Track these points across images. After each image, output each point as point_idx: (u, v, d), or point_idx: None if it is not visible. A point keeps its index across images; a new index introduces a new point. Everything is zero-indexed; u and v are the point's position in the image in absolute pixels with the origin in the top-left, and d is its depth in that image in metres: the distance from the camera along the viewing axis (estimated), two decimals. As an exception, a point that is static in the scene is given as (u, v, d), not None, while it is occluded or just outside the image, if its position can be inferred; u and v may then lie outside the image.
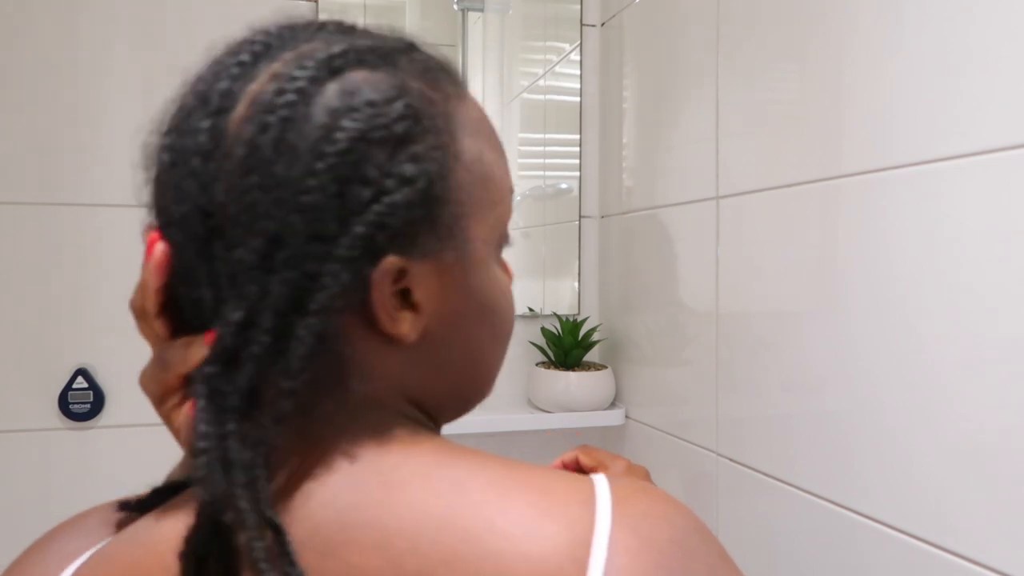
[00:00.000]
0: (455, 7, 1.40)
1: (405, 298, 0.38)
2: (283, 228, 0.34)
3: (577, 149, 1.47)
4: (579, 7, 1.46)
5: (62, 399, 1.19)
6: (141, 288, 0.39)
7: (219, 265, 0.35)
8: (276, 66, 0.37)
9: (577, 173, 1.47)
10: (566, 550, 0.32)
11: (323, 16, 1.30)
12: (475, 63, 1.42)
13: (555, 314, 1.42)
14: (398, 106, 0.37)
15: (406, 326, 0.38)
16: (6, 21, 1.20)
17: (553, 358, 1.36)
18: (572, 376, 1.31)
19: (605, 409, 1.34)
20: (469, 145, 0.41)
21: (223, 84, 0.36)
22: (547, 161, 1.48)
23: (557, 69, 1.48)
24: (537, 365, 1.37)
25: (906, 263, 0.72)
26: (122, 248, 1.24)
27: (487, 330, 0.45)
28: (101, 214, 1.23)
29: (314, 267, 0.34)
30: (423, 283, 0.39)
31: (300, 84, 0.35)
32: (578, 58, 1.47)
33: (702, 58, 1.09)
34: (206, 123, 0.36)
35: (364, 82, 0.37)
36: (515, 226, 1.46)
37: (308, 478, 0.36)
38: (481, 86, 1.43)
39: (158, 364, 0.39)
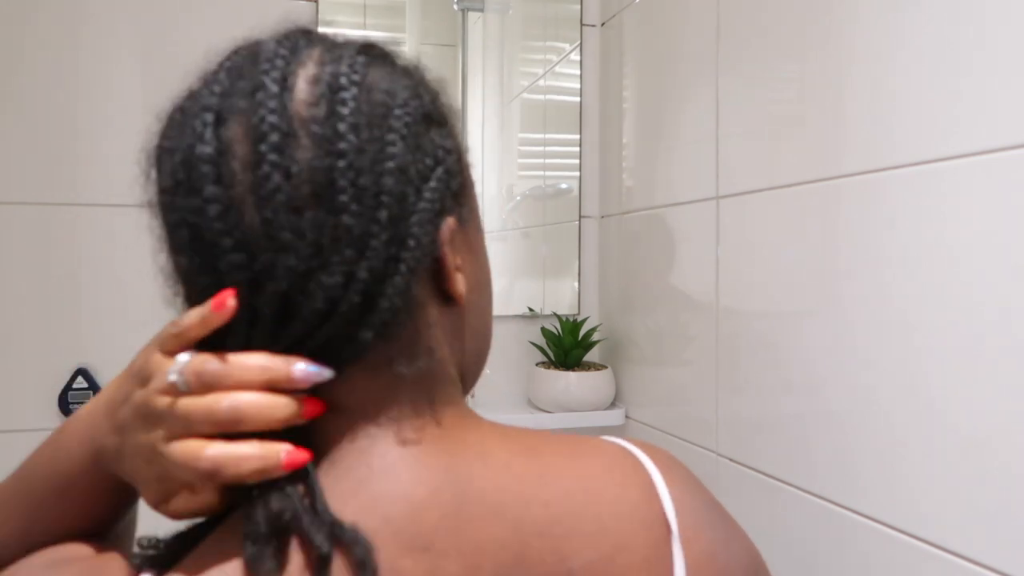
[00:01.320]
0: (455, 7, 1.40)
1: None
2: (382, 192, 0.36)
3: (577, 149, 1.47)
4: (579, 7, 1.46)
5: (62, 399, 1.19)
6: (199, 325, 0.36)
7: (310, 234, 0.35)
8: (316, 53, 0.38)
9: (577, 173, 1.47)
10: (642, 490, 0.40)
11: (323, 16, 1.31)
12: (475, 63, 1.42)
13: (555, 314, 1.42)
14: (433, 89, 0.41)
15: (462, 285, 0.41)
16: (7, 22, 1.20)
17: (553, 358, 1.36)
18: (572, 376, 1.31)
19: (605, 409, 1.34)
20: None
21: (275, 72, 0.36)
22: (547, 161, 1.49)
23: (557, 69, 1.48)
24: (537, 365, 1.37)
25: (906, 263, 0.72)
26: (122, 248, 1.24)
27: (488, 297, 0.47)
28: (101, 214, 1.23)
29: (404, 228, 0.37)
30: (461, 246, 0.42)
31: (351, 68, 0.38)
32: (578, 58, 1.47)
33: (702, 58, 1.09)
34: (272, 104, 0.35)
35: (398, 70, 0.40)
36: (515, 226, 1.46)
37: (397, 444, 0.38)
38: (481, 86, 1.43)
39: (169, 341, 0.37)
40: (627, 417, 1.34)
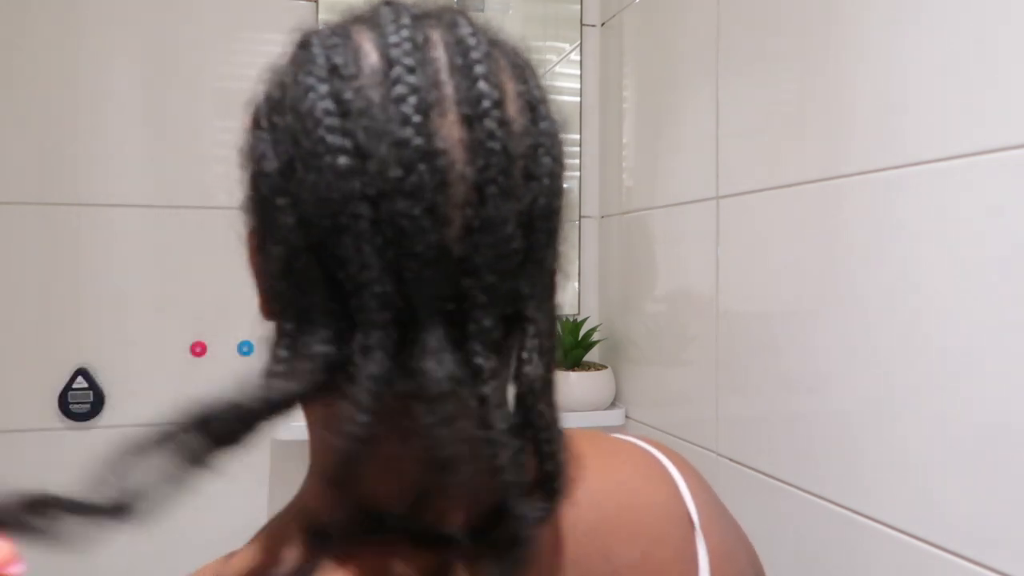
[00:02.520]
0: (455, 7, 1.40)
1: None
2: (559, 225, 0.36)
3: (577, 149, 1.47)
4: (579, 7, 1.46)
5: (62, 399, 1.19)
6: None
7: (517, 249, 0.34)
8: (506, 65, 0.35)
9: (577, 173, 1.47)
10: (670, 490, 0.42)
11: (323, 16, 1.31)
12: (475, 63, 1.42)
13: (555, 314, 1.42)
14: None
15: None
16: (7, 21, 1.20)
17: (553, 358, 1.36)
18: (572, 376, 1.31)
19: (605, 409, 1.34)
20: None
21: (492, 79, 0.33)
22: (547, 161, 1.48)
23: (557, 69, 1.48)
24: (537, 365, 1.37)
25: (907, 263, 0.72)
26: (122, 248, 1.24)
27: None
28: (101, 214, 1.23)
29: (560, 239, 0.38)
30: None
31: (538, 87, 0.36)
32: (578, 58, 1.47)
33: (702, 58, 1.09)
34: (497, 114, 0.33)
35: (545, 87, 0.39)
36: (515, 226, 1.46)
37: None
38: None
39: None
40: (627, 417, 1.34)
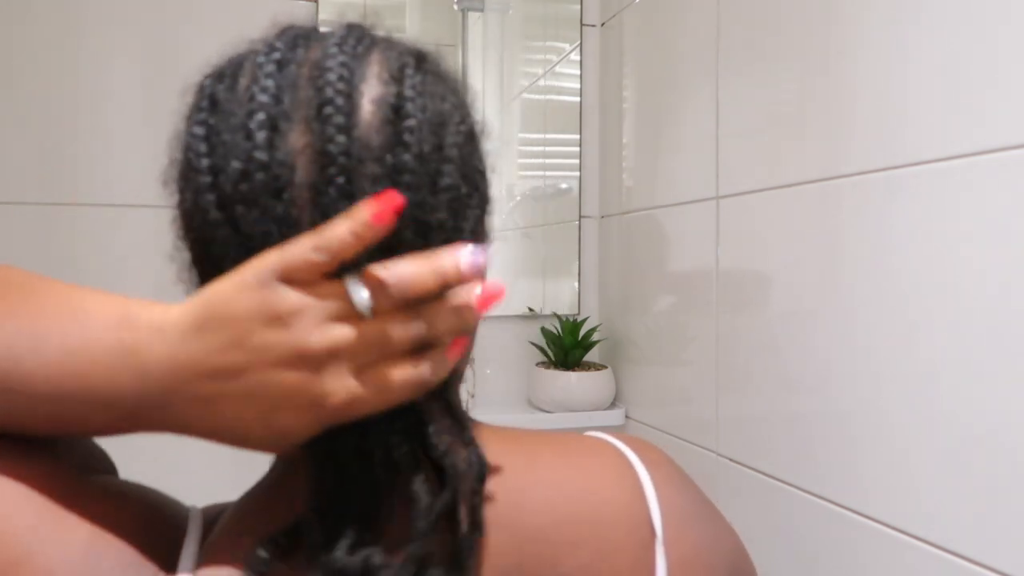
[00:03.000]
0: (455, 7, 1.40)
1: None
2: (436, 224, 0.36)
3: (577, 149, 1.47)
4: (579, 7, 1.46)
5: (62, 399, 1.19)
6: (354, 243, 0.32)
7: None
8: (376, 68, 0.37)
9: (577, 173, 1.47)
10: (632, 494, 0.41)
11: (323, 16, 1.31)
12: (475, 63, 1.42)
13: (555, 314, 1.42)
14: (471, 105, 0.41)
15: None
16: (7, 21, 1.20)
17: (553, 358, 1.36)
18: (572, 376, 1.31)
19: (605, 409, 1.34)
20: None
21: (340, 85, 0.35)
22: (547, 161, 1.48)
23: (557, 69, 1.48)
24: (537, 365, 1.37)
25: (907, 263, 0.72)
26: (122, 248, 1.24)
27: None
28: (101, 214, 1.23)
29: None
30: None
31: (412, 89, 0.37)
32: (578, 58, 1.47)
33: (702, 58, 1.09)
34: (340, 121, 0.34)
35: (448, 87, 0.40)
36: (515, 226, 1.46)
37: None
38: (481, 86, 1.43)
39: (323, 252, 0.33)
40: (627, 417, 1.34)
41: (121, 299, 0.35)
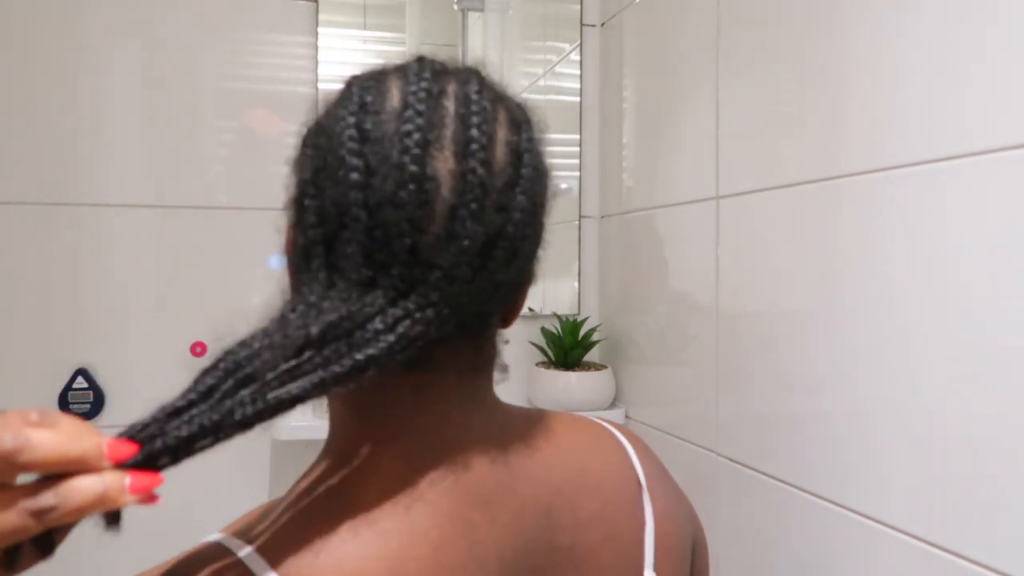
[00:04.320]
0: (455, 7, 1.40)
1: None
2: (524, 255, 0.45)
3: (577, 149, 1.47)
4: (579, 7, 1.46)
5: (62, 399, 1.19)
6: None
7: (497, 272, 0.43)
8: (503, 116, 0.44)
9: (577, 173, 1.47)
10: (623, 457, 0.53)
11: (323, 16, 1.31)
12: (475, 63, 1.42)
13: (555, 314, 1.42)
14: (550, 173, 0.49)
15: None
16: (7, 22, 1.20)
17: (553, 358, 1.36)
18: (572, 376, 1.31)
19: (605, 409, 1.34)
20: None
21: (484, 128, 0.42)
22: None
23: (557, 69, 1.48)
24: (537, 365, 1.37)
25: (906, 263, 0.72)
26: (122, 248, 1.24)
27: None
28: (101, 214, 1.23)
29: (526, 280, 0.49)
30: None
31: (528, 140, 0.44)
32: (578, 58, 1.47)
33: (702, 58, 1.09)
34: (483, 156, 0.41)
35: (544, 142, 0.47)
36: (515, 226, 1.46)
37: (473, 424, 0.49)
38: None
39: None
40: (627, 417, 1.34)
41: None
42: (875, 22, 0.77)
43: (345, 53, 1.34)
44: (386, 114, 0.41)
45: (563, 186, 1.47)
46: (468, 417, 0.47)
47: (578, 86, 1.47)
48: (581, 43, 1.47)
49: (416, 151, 0.39)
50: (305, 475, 0.45)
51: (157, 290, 1.24)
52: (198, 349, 1.25)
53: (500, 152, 0.42)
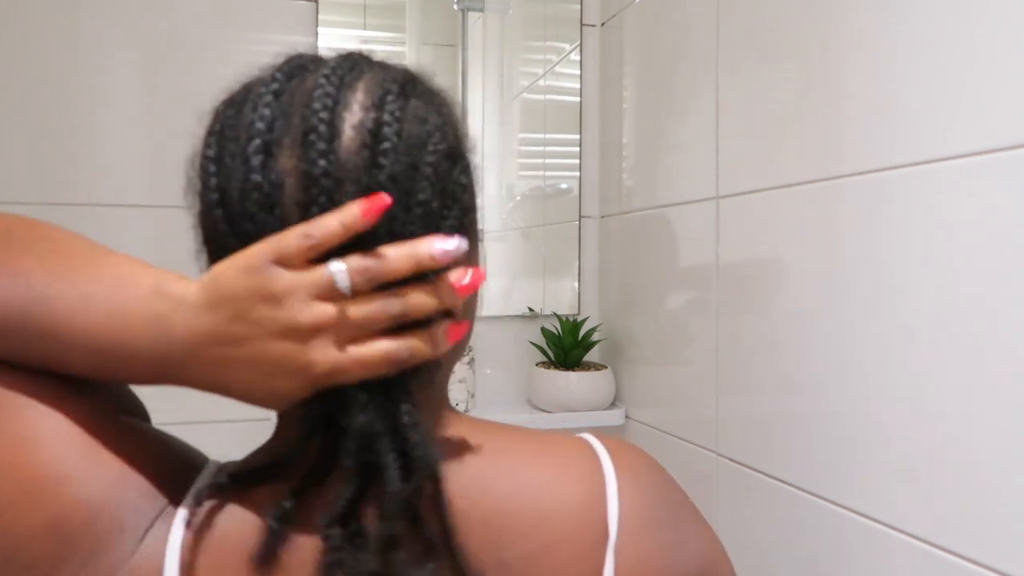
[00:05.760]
0: (455, 7, 1.40)
1: None
2: (409, 234, 0.41)
3: (577, 149, 1.47)
4: (579, 7, 1.46)
5: (62, 399, 1.19)
6: (341, 233, 0.38)
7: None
8: (360, 94, 0.41)
9: (577, 173, 1.47)
10: (589, 494, 0.43)
11: (323, 16, 1.31)
12: (475, 63, 1.42)
13: (555, 314, 1.42)
14: (458, 125, 0.45)
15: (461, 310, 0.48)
16: (7, 22, 1.20)
17: (553, 358, 1.36)
18: (572, 376, 1.31)
19: (605, 409, 1.34)
20: None
21: (324, 114, 0.40)
22: (547, 161, 1.48)
23: (557, 69, 1.48)
24: (537, 365, 1.37)
25: (906, 263, 0.72)
26: (122, 248, 1.24)
27: (472, 317, 0.52)
28: (101, 214, 1.23)
29: None
30: None
31: (391, 115, 0.41)
32: (578, 58, 1.47)
33: (702, 58, 1.09)
34: (323, 147, 0.39)
35: (432, 108, 0.44)
36: (515, 226, 1.46)
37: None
38: (481, 86, 1.43)
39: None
40: (627, 417, 1.34)
41: (156, 272, 0.41)
42: (875, 22, 0.77)
43: (345, 53, 1.34)
44: (238, 127, 0.41)
45: (563, 186, 1.47)
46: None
47: (578, 86, 1.47)
48: (581, 43, 1.47)
49: (257, 158, 0.39)
50: None
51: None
52: (198, 349, 1.25)
53: (348, 136, 0.40)
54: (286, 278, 0.37)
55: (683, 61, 1.15)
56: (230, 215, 0.40)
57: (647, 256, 1.28)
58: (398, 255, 0.38)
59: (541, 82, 1.48)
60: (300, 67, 0.42)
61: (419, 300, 0.39)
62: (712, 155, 1.06)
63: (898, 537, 0.73)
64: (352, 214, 0.37)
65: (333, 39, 1.32)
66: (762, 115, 0.95)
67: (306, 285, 0.37)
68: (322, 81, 0.41)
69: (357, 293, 0.38)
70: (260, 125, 0.40)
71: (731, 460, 1.01)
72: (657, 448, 1.21)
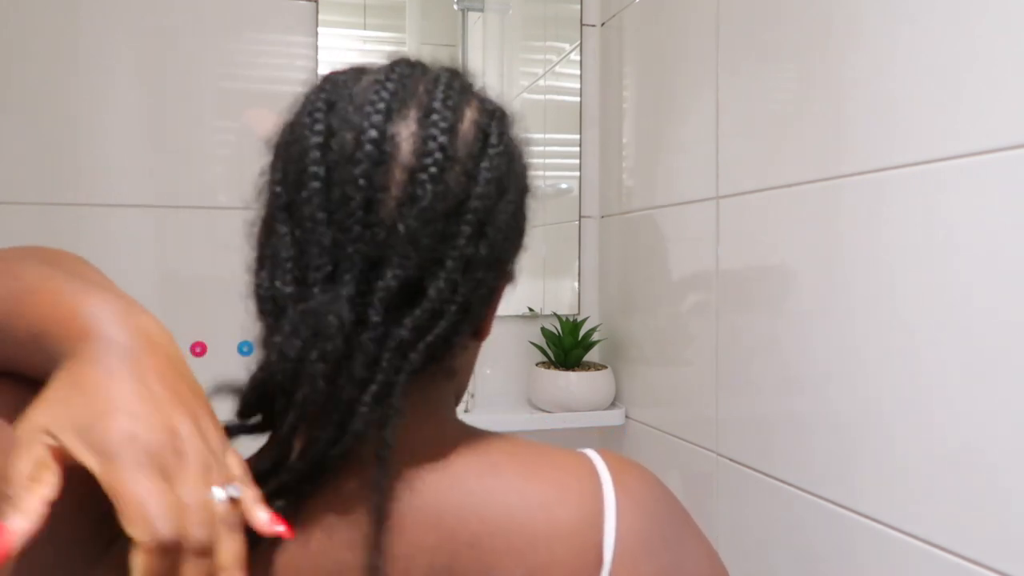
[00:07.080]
0: (455, 7, 1.40)
1: None
2: (498, 232, 0.43)
3: (577, 149, 1.47)
4: (579, 7, 1.46)
5: (62, 399, 1.19)
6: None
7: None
8: (475, 102, 0.44)
9: (577, 173, 1.47)
10: (586, 516, 0.41)
11: (323, 16, 1.31)
12: (475, 63, 1.42)
13: (555, 314, 1.42)
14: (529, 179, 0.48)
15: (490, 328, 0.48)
16: (7, 22, 1.20)
17: (553, 358, 1.36)
18: (572, 376, 1.31)
19: (605, 409, 1.33)
20: None
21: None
22: (547, 161, 1.48)
23: (557, 69, 1.48)
24: (537, 365, 1.37)
25: (906, 263, 0.72)
26: (122, 248, 1.24)
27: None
28: (101, 214, 1.23)
29: (501, 265, 0.45)
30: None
31: (499, 126, 0.44)
32: (578, 58, 1.47)
33: (702, 58, 1.09)
34: (445, 124, 0.41)
35: (521, 140, 0.47)
36: (515, 226, 1.46)
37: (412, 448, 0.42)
38: (481, 86, 1.43)
39: None
40: (627, 417, 1.34)
41: (79, 334, 0.35)
42: (875, 22, 0.77)
43: (345, 53, 1.34)
44: (355, 90, 0.42)
45: (563, 186, 1.47)
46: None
47: (578, 86, 1.47)
48: (581, 43, 1.47)
49: (377, 117, 0.40)
50: None
51: (157, 290, 1.24)
52: (198, 349, 1.25)
53: (467, 126, 0.42)
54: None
55: (683, 61, 1.15)
56: (329, 157, 0.40)
57: (647, 256, 1.28)
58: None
59: (541, 82, 1.48)
60: (416, 65, 0.45)
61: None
62: (712, 155, 1.06)
63: (898, 537, 0.73)
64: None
65: (333, 39, 1.32)
66: (762, 115, 0.95)
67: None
68: (446, 79, 0.43)
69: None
70: (385, 93, 0.41)
71: (731, 460, 1.01)
72: (657, 448, 1.21)
